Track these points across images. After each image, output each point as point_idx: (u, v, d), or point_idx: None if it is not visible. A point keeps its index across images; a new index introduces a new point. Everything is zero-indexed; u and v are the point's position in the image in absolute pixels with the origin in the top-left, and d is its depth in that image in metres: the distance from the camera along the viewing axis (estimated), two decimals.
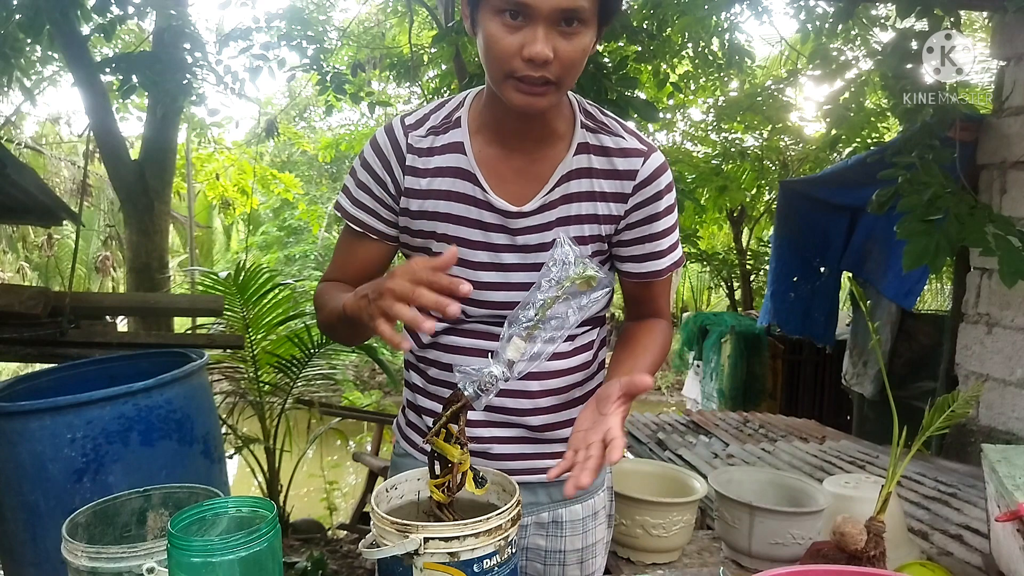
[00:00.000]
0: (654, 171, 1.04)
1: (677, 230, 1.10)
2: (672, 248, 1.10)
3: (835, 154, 5.95)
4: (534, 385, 1.07)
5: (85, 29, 4.14)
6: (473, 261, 1.03)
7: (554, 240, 0.92)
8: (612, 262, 1.12)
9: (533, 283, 0.96)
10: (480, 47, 0.93)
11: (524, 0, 0.85)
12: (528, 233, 1.03)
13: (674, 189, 1.09)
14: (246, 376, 3.73)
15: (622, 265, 1.10)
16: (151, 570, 0.79)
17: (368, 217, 1.07)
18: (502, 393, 1.04)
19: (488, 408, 1.07)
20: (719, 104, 6.71)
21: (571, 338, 1.08)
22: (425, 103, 1.49)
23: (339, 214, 1.10)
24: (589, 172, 1.03)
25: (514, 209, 1.02)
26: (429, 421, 1.14)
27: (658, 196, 1.05)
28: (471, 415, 1.06)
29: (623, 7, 0.95)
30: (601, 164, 1.03)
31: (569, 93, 1.04)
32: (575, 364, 1.11)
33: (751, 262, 8.45)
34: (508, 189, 1.02)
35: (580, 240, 1.04)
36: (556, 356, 1.06)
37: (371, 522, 0.85)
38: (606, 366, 1.19)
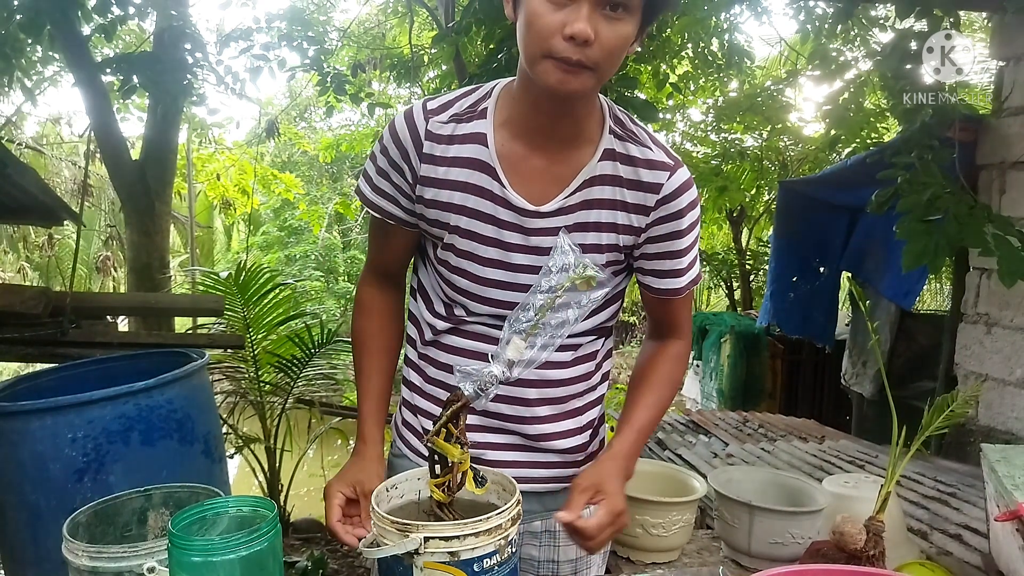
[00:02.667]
0: (679, 186, 1.02)
1: (696, 248, 1.08)
2: (692, 266, 1.08)
3: (834, 154, 5.95)
4: (532, 393, 1.06)
5: (86, 29, 4.14)
6: (483, 257, 1.01)
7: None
8: (633, 274, 1.11)
9: None
10: (520, 27, 0.91)
11: None
12: (542, 235, 1.00)
13: (698, 207, 1.06)
14: (247, 376, 3.73)
15: (643, 279, 1.09)
16: (152, 569, 0.79)
17: (388, 204, 1.06)
18: (498, 399, 1.04)
19: (484, 414, 1.06)
20: (719, 104, 6.71)
21: (573, 348, 1.07)
22: None
23: (359, 200, 1.10)
24: (614, 180, 1.01)
25: (531, 208, 1.00)
26: (425, 422, 1.13)
27: (681, 213, 1.03)
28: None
29: (668, 5, 0.96)
30: (627, 173, 1.01)
31: (601, 97, 1.02)
32: (575, 375, 1.09)
33: (751, 262, 8.45)
34: (527, 187, 1.00)
35: (596, 248, 1.02)
36: (556, 365, 1.05)
37: (372, 521, 0.85)
38: (610, 377, 1.18)
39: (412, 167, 1.01)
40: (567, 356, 1.06)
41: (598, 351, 1.12)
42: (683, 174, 1.03)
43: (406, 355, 1.18)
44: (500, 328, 1.03)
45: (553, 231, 1.00)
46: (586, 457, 1.14)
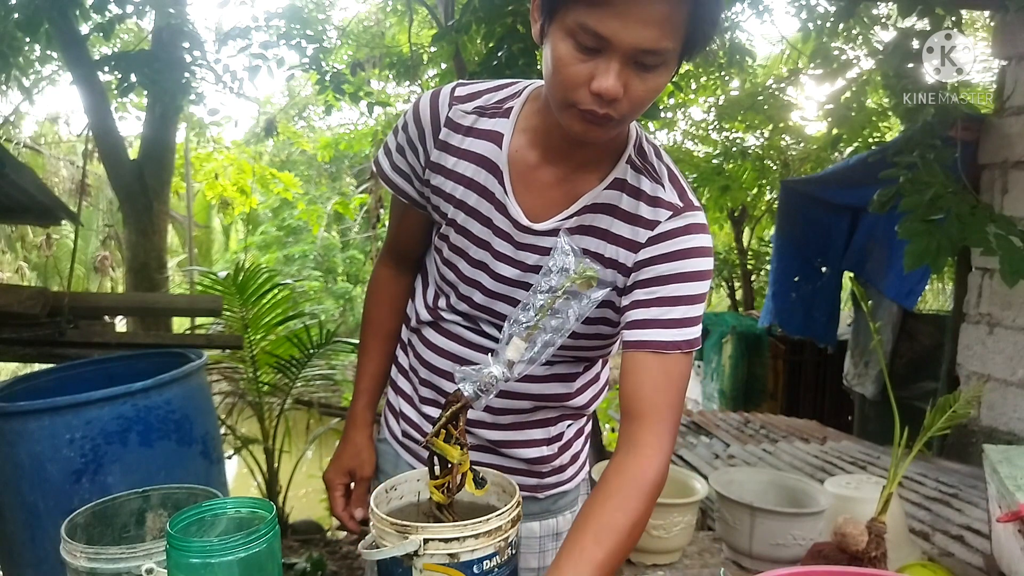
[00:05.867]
0: (678, 228, 0.91)
1: (700, 307, 0.92)
2: (687, 323, 0.90)
3: (836, 153, 5.95)
4: (497, 403, 1.02)
5: (84, 28, 4.15)
6: (471, 257, 1.00)
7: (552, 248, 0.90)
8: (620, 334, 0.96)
9: (518, 300, 0.94)
10: (545, 63, 0.84)
11: (603, 33, 0.76)
12: (531, 251, 0.96)
13: (706, 258, 0.93)
14: (245, 376, 3.72)
15: (626, 334, 0.92)
16: (150, 571, 0.79)
17: (403, 182, 1.04)
18: None
19: None
20: (720, 103, 6.71)
21: (548, 363, 0.98)
22: None
23: (376, 173, 1.08)
24: (613, 211, 0.94)
25: (526, 223, 0.96)
26: (401, 402, 1.14)
27: (676, 256, 0.91)
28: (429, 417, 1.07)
29: (709, 43, 0.85)
30: (628, 206, 0.94)
31: (633, 125, 0.96)
32: (547, 392, 1.04)
33: (752, 262, 8.46)
34: (529, 200, 0.96)
35: None
36: (528, 379, 0.98)
37: (371, 523, 0.85)
38: (594, 405, 1.13)
39: (426, 149, 1.00)
40: (542, 371, 1.01)
41: (577, 373, 1.06)
42: (690, 218, 0.92)
43: (400, 333, 1.18)
44: (475, 331, 1.03)
45: (542, 250, 0.95)
46: (551, 471, 1.10)
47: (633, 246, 0.93)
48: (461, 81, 1.02)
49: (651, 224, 0.93)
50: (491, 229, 0.98)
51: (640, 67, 0.79)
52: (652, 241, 0.92)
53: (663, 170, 0.95)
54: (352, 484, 1.16)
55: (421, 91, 6.79)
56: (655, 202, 0.93)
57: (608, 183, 0.94)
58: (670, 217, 0.92)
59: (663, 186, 0.94)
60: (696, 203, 0.95)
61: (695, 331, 0.92)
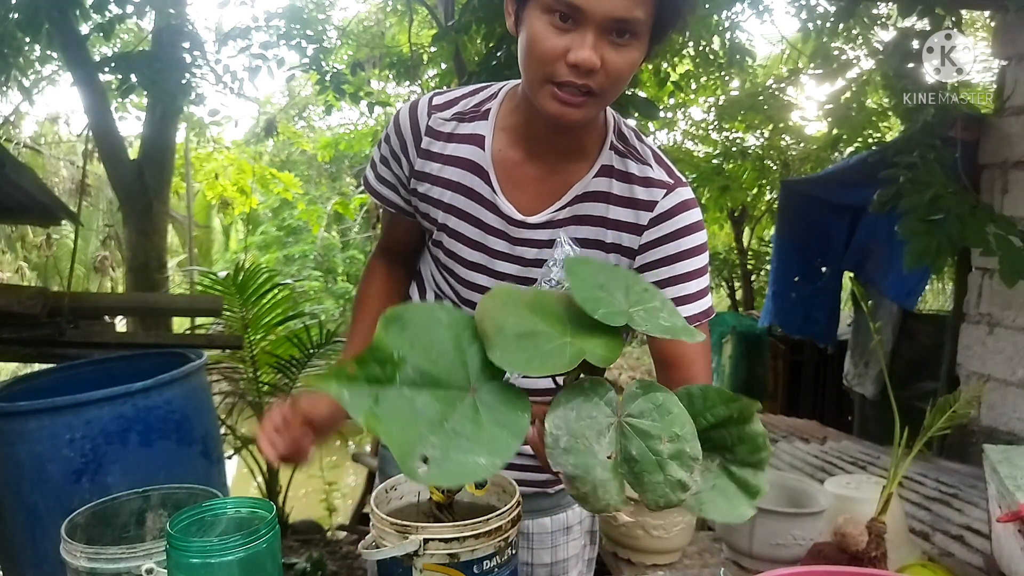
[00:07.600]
0: (675, 206, 0.96)
1: (706, 278, 0.99)
2: (699, 295, 0.98)
3: (836, 153, 5.94)
4: None
5: (84, 28, 4.15)
6: (467, 260, 1.01)
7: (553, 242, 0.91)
8: None
9: None
10: (521, 47, 0.87)
11: (577, 2, 0.79)
12: (528, 246, 0.98)
13: (703, 231, 0.98)
14: (245, 376, 3.72)
15: None
16: (150, 571, 0.79)
17: (390, 192, 1.06)
18: None
19: None
20: (720, 103, 6.70)
21: None
22: None
23: (364, 187, 1.10)
24: (606, 197, 0.96)
25: (519, 218, 0.97)
26: None
27: (678, 235, 0.96)
28: None
29: (679, 25, 0.90)
30: (621, 191, 0.96)
31: (608, 110, 0.98)
32: (551, 386, 1.05)
33: (752, 262, 8.44)
34: (519, 196, 0.98)
35: None
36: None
37: (371, 523, 0.85)
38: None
39: (409, 159, 1.01)
40: None
41: None
42: (683, 193, 0.97)
43: None
44: None
45: (539, 243, 0.97)
46: None
47: (636, 229, 0.96)
48: (437, 90, 1.05)
49: (649, 205, 0.96)
50: (483, 229, 0.99)
51: (614, 39, 0.82)
52: (654, 222, 0.96)
53: (647, 151, 0.98)
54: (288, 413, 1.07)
55: (421, 91, 6.81)
56: (648, 182, 0.96)
57: (596, 171, 0.97)
58: (665, 195, 0.96)
59: (651, 166, 0.97)
60: (683, 179, 0.99)
61: (709, 300, 0.99)
